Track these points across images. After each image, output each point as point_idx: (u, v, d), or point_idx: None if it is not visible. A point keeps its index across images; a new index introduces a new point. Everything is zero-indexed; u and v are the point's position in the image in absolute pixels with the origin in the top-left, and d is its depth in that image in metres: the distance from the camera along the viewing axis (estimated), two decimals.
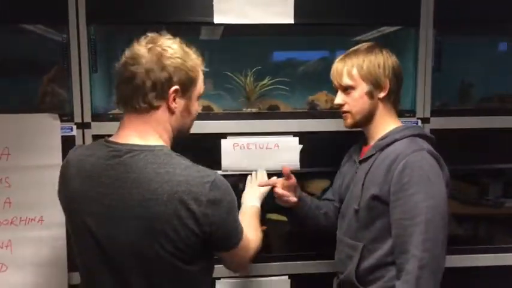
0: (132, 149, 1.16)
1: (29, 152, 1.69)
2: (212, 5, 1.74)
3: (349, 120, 1.54)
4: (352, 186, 1.54)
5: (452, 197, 2.23)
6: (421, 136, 1.48)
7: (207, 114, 1.85)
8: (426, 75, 1.86)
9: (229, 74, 1.90)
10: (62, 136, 1.71)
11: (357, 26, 1.97)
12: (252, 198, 1.62)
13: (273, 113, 1.90)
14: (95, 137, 1.69)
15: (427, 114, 1.87)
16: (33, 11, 1.71)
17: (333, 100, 1.61)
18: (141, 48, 1.18)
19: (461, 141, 1.88)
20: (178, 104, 1.21)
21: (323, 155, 1.85)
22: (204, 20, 1.77)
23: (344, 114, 1.55)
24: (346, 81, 1.50)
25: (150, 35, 1.22)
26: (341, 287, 1.58)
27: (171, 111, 1.20)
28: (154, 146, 1.18)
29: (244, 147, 1.80)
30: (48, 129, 1.70)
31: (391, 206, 1.39)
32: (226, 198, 1.18)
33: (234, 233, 1.23)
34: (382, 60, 1.48)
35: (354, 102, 1.51)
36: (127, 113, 1.21)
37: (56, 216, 1.59)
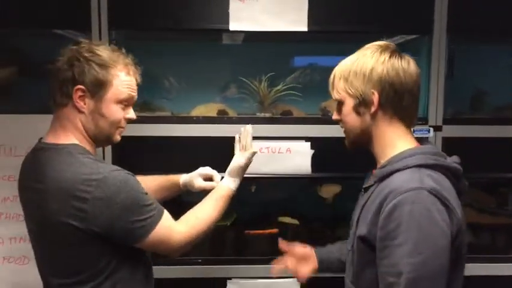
0: (43, 147, 1.26)
1: None
2: (228, 13, 1.80)
3: (346, 140, 1.32)
4: (351, 219, 1.31)
5: (470, 206, 2.22)
6: (433, 167, 1.14)
7: (221, 118, 1.91)
8: (439, 82, 1.86)
9: (244, 79, 1.95)
10: None
11: (370, 33, 1.97)
12: (231, 175, 1.51)
13: (285, 118, 1.94)
14: None
15: (440, 122, 1.87)
16: (62, 17, 1.82)
17: None
18: (65, 51, 1.26)
19: (480, 149, 1.87)
20: (87, 104, 1.25)
21: (334, 160, 1.85)
22: (220, 27, 1.83)
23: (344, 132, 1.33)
24: (334, 94, 1.27)
25: (81, 40, 1.31)
26: None
27: (78, 110, 1.25)
28: (59, 144, 1.24)
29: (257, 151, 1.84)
30: None
31: (377, 255, 1.12)
32: (118, 196, 1.17)
33: (135, 230, 1.21)
34: (369, 68, 1.18)
35: (344, 118, 1.27)
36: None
37: None
